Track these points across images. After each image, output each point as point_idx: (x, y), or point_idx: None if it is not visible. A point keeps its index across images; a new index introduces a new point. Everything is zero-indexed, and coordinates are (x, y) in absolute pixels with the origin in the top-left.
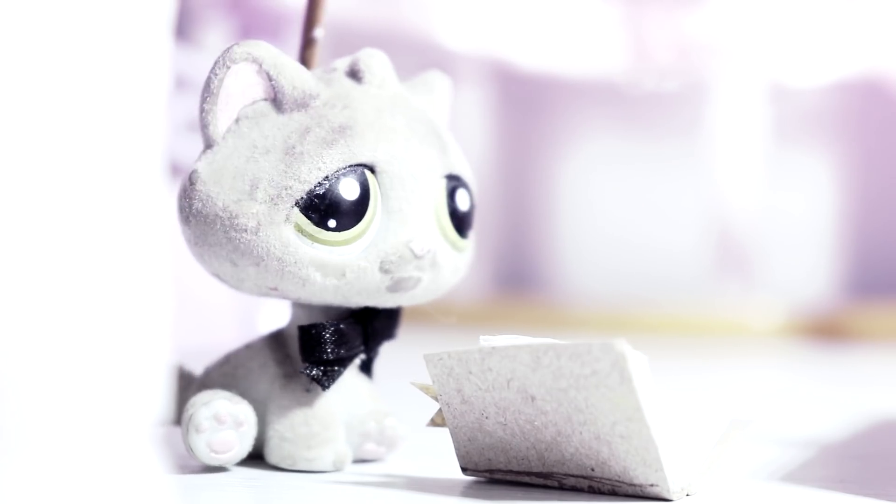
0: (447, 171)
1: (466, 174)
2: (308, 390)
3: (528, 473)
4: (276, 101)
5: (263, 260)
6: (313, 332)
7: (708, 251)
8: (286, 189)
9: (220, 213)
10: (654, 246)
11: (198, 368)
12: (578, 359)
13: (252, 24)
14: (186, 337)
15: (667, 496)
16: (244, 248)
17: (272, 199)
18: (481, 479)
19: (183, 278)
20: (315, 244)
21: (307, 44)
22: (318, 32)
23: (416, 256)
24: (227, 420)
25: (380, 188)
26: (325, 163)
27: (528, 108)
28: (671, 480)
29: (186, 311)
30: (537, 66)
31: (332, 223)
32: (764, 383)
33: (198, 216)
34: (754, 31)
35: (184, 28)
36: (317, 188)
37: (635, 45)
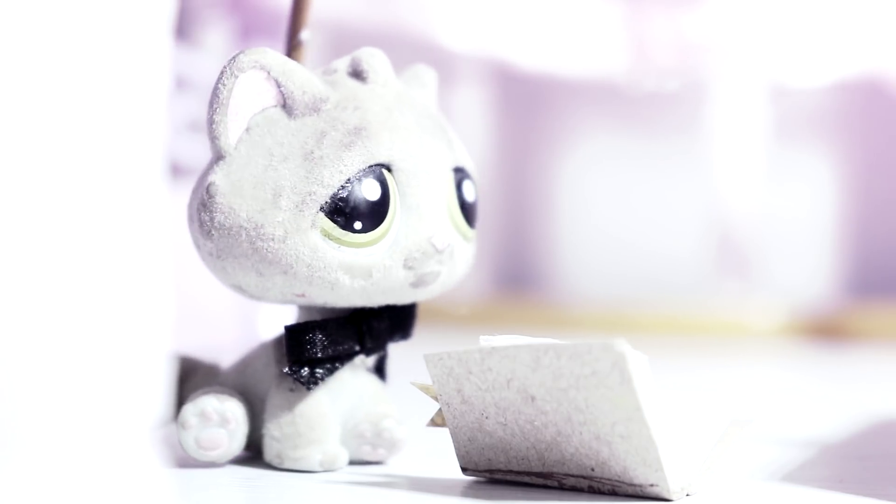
0: (454, 164)
1: (470, 165)
2: (292, 390)
3: (528, 473)
4: (287, 107)
5: (292, 267)
6: (299, 332)
7: (708, 251)
8: (310, 195)
9: (245, 224)
10: (655, 246)
11: None
12: (578, 359)
13: (252, 24)
14: (186, 337)
15: (667, 496)
16: (272, 257)
17: (297, 205)
18: (481, 479)
19: (183, 278)
20: (342, 247)
21: (294, 46)
22: (305, 35)
23: (438, 251)
24: (213, 417)
25: (397, 186)
26: (345, 165)
27: (528, 108)
28: (671, 480)
29: (187, 311)
30: (537, 66)
31: (357, 225)
32: (764, 383)
33: (221, 229)
34: (754, 31)
35: (184, 28)
36: (340, 191)
37: (635, 45)
